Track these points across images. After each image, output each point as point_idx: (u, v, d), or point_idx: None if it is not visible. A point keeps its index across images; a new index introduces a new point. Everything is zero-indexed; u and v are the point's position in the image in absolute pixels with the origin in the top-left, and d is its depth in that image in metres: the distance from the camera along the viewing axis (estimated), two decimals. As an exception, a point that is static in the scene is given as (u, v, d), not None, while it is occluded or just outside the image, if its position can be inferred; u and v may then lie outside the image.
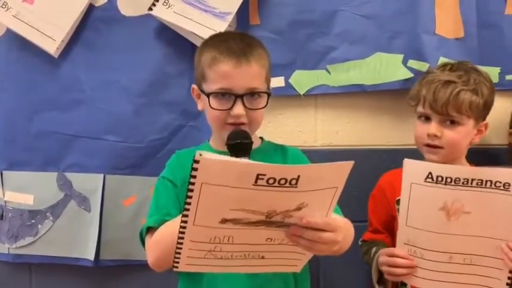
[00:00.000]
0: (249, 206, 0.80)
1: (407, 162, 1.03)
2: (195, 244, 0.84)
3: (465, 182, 1.00)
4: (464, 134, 1.19)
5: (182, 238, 0.84)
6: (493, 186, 1.00)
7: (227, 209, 0.80)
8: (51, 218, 1.46)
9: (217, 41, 1.09)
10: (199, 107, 1.12)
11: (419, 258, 1.07)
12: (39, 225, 1.46)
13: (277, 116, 1.46)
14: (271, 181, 0.77)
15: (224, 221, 0.82)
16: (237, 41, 1.06)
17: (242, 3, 1.39)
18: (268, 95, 1.06)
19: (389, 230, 1.27)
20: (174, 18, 1.39)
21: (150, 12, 1.41)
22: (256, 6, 1.42)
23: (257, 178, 0.76)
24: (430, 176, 1.01)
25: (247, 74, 1.02)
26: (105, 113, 1.45)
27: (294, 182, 0.77)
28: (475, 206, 1.01)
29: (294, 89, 1.43)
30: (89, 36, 1.46)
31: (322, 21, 1.41)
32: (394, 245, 1.24)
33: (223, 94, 1.03)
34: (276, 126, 1.46)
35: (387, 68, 1.37)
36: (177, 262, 0.87)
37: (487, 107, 1.21)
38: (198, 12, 1.39)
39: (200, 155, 0.74)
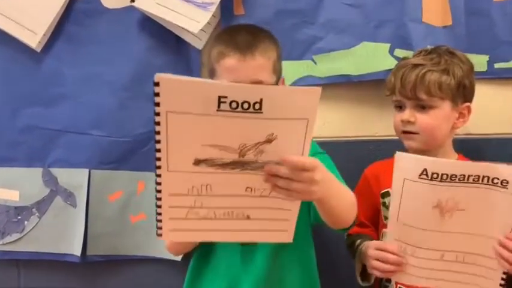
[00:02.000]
0: (218, 140, 0.79)
1: (400, 156, 0.98)
2: (175, 199, 0.83)
3: (461, 179, 0.96)
4: (441, 118, 1.15)
5: (160, 192, 0.82)
6: (490, 182, 0.96)
7: (198, 145, 0.79)
8: (37, 214, 1.45)
9: (225, 35, 1.11)
10: None
11: (410, 255, 1.03)
12: (26, 222, 1.45)
13: (264, 108, 1.44)
14: (234, 105, 0.75)
15: (198, 162, 0.80)
16: (244, 34, 1.07)
17: (226, -7, 1.37)
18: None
19: (374, 223, 1.25)
20: (157, 9, 1.37)
21: (133, 4, 1.39)
22: (240, -5, 1.40)
23: (219, 102, 0.75)
24: (425, 172, 0.96)
25: (252, 66, 1.03)
26: (90, 107, 1.43)
27: (257, 106, 0.76)
28: (470, 203, 0.98)
29: (280, 80, 1.41)
30: (71, 29, 1.44)
31: (308, 10, 1.38)
32: (378, 238, 1.23)
33: None
34: (262, 118, 1.44)
35: (374, 57, 1.35)
36: (160, 228, 0.85)
37: (462, 87, 1.16)
38: (180, 3, 1.37)
39: (158, 75, 0.74)
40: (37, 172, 1.45)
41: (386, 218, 1.20)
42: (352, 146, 1.43)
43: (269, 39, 1.10)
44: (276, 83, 1.08)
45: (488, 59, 1.38)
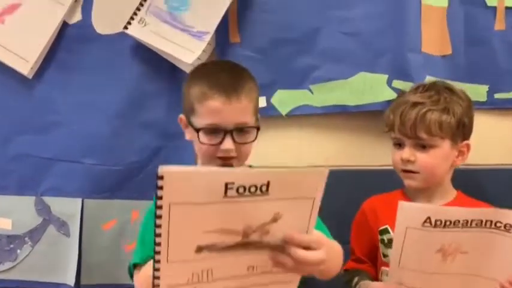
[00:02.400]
0: (223, 225, 0.76)
1: (404, 206, 0.98)
2: None
3: (465, 224, 0.96)
4: (441, 157, 1.14)
5: (158, 286, 0.78)
6: (493, 226, 0.96)
7: (201, 233, 0.76)
8: (30, 242, 1.43)
9: (206, 73, 1.06)
10: (187, 136, 1.10)
11: None
12: (18, 250, 1.43)
13: (260, 137, 1.40)
14: (241, 190, 0.73)
15: (199, 249, 0.77)
16: (226, 74, 1.03)
17: (221, 20, 1.34)
18: (258, 129, 1.04)
19: (372, 258, 1.24)
20: (150, 37, 1.35)
21: (125, 31, 1.36)
22: (236, 23, 1.37)
23: (226, 188, 0.72)
24: (428, 220, 0.96)
25: (237, 109, 1.00)
26: (82, 135, 1.41)
27: (264, 188, 0.74)
28: (473, 246, 0.98)
29: (276, 109, 1.38)
30: (64, 56, 1.41)
31: (305, 38, 1.36)
32: (377, 275, 1.22)
33: (213, 130, 1.01)
34: (259, 146, 1.40)
35: (371, 88, 1.33)
36: None
37: (462, 126, 1.16)
38: (174, 32, 1.34)
39: (163, 168, 0.69)
40: (29, 200, 1.43)
41: (385, 255, 1.19)
42: (349, 176, 1.41)
43: (251, 78, 1.07)
44: (256, 120, 1.05)
45: (488, 89, 1.36)
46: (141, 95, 1.41)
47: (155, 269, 0.76)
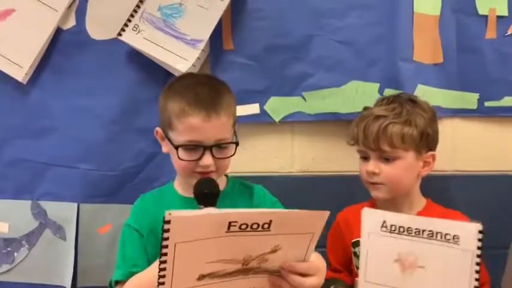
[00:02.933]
0: (224, 256, 0.80)
1: (366, 212, 1.03)
2: None
3: (417, 232, 0.99)
4: (405, 169, 1.15)
5: None
6: (443, 239, 0.99)
7: (203, 263, 0.79)
8: (26, 246, 1.45)
9: (184, 87, 1.05)
10: (164, 149, 1.10)
11: None
12: (15, 253, 1.45)
13: (253, 143, 1.44)
14: (243, 226, 0.77)
15: (201, 277, 0.81)
16: (205, 89, 1.03)
17: (215, 28, 1.35)
18: (237, 144, 1.05)
19: (348, 268, 1.26)
20: (144, 45, 1.35)
21: (119, 37, 1.36)
22: (230, 30, 1.38)
23: (229, 225, 0.76)
24: (384, 224, 1.01)
25: (216, 126, 1.01)
26: (77, 140, 1.42)
27: (266, 226, 0.77)
28: (428, 260, 1.00)
29: (270, 116, 1.40)
30: (58, 61, 1.42)
31: (298, 46, 1.37)
32: (353, 284, 1.23)
33: (193, 146, 1.01)
34: (252, 153, 1.44)
35: (363, 96, 1.34)
36: None
37: (425, 137, 1.16)
38: (168, 39, 1.35)
39: (169, 214, 0.73)
40: (26, 204, 1.45)
41: (358, 267, 1.19)
42: (342, 181, 1.43)
43: (229, 93, 1.06)
44: (234, 134, 1.06)
45: (478, 97, 1.37)
46: (136, 100, 1.42)
47: None
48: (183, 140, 1.01)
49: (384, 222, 1.01)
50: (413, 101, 1.19)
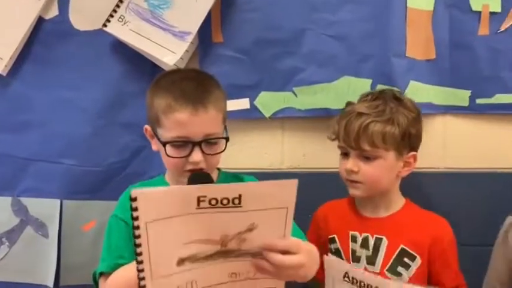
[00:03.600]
0: (200, 235, 0.78)
1: (327, 261, 1.04)
2: None
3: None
4: (385, 168, 1.12)
5: None
6: None
7: (180, 245, 0.78)
8: (7, 243, 1.41)
9: (170, 82, 1.02)
10: (154, 147, 1.07)
11: None
12: (-5, 251, 1.41)
13: (243, 138, 1.41)
14: (213, 202, 0.76)
15: (181, 261, 0.79)
16: (192, 83, 1.00)
17: (204, 20, 1.31)
18: (227, 140, 1.02)
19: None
20: (130, 36, 1.31)
21: (105, 28, 1.32)
22: (219, 22, 1.34)
23: (199, 201, 0.75)
24: (346, 275, 1.03)
25: (205, 120, 0.97)
26: (60, 135, 1.38)
27: (236, 201, 0.76)
28: None
29: (260, 111, 1.37)
30: (40, 52, 1.37)
31: (289, 40, 1.34)
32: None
33: (181, 142, 0.98)
34: (241, 149, 1.41)
35: (355, 92, 1.30)
36: None
37: (408, 137, 1.12)
38: (156, 31, 1.31)
39: (135, 191, 0.72)
40: (6, 201, 1.40)
41: None
42: (332, 178, 1.40)
43: (217, 87, 1.04)
44: (225, 129, 1.04)
45: (470, 94, 1.36)
46: (122, 94, 1.37)
47: (141, 286, 0.78)
48: (171, 136, 0.98)
49: (346, 273, 1.03)
50: (398, 99, 1.15)
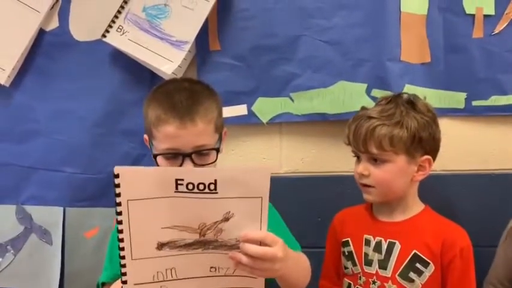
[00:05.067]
0: (178, 221, 0.82)
1: None
2: None
3: None
4: (396, 172, 1.11)
5: (126, 282, 0.83)
6: None
7: (159, 229, 0.82)
8: (12, 251, 1.43)
9: (162, 94, 1.04)
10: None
11: None
12: (0, 259, 1.44)
13: (241, 144, 1.43)
14: (190, 186, 0.79)
15: (160, 245, 0.83)
16: (183, 95, 1.01)
17: (201, 28, 1.33)
18: (217, 150, 1.03)
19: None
20: (129, 46, 1.33)
21: (104, 39, 1.34)
22: (216, 30, 1.36)
23: (177, 184, 0.79)
24: None
25: (193, 133, 0.99)
26: (62, 143, 1.40)
27: (212, 186, 0.80)
28: None
29: (257, 117, 1.39)
30: (41, 63, 1.40)
31: (285, 46, 1.35)
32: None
33: (172, 154, 1.00)
34: (240, 154, 1.43)
35: (351, 97, 1.33)
36: None
37: (418, 140, 1.11)
38: (153, 40, 1.33)
39: (118, 167, 0.78)
40: (10, 209, 1.43)
41: (345, 267, 1.21)
42: (330, 181, 1.42)
43: (209, 97, 1.04)
44: (220, 139, 1.05)
45: (466, 96, 1.36)
46: (122, 102, 1.40)
47: (121, 265, 0.83)
48: (161, 148, 1.01)
49: None
50: (412, 103, 1.14)
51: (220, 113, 1.07)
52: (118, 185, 0.78)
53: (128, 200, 0.79)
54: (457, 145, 1.39)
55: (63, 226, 1.41)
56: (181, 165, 0.99)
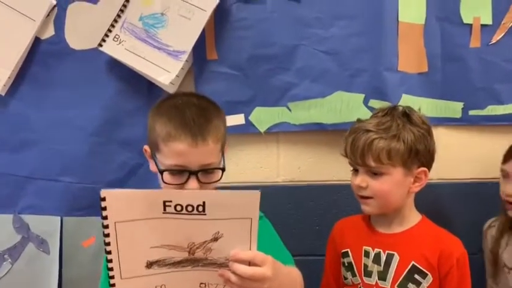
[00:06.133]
0: (167, 240, 0.82)
1: None
2: None
3: None
4: (393, 184, 1.12)
5: None
6: None
7: (148, 248, 0.82)
8: (9, 260, 1.43)
9: (171, 109, 1.02)
10: (152, 168, 1.08)
11: None
12: (-2, 268, 1.44)
13: (239, 152, 1.43)
14: (178, 208, 0.80)
15: (149, 264, 0.84)
16: (193, 112, 1.00)
17: (199, 37, 1.32)
18: (223, 170, 1.03)
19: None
20: (126, 56, 1.32)
21: (100, 48, 1.33)
22: (213, 40, 1.35)
23: (165, 206, 0.80)
24: None
25: (203, 152, 0.98)
26: (59, 153, 1.39)
27: (201, 208, 0.80)
28: None
29: (255, 126, 1.39)
30: (37, 72, 1.39)
31: (282, 56, 1.35)
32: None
33: (178, 170, 1.00)
34: (237, 163, 1.43)
35: (348, 107, 1.34)
36: None
37: (414, 153, 1.12)
38: (151, 50, 1.32)
39: (104, 190, 0.79)
40: (7, 219, 1.42)
41: (345, 277, 1.22)
42: (327, 190, 1.43)
43: (217, 115, 1.04)
44: (222, 154, 1.05)
45: (463, 105, 1.37)
46: (119, 112, 1.39)
47: (111, 285, 0.84)
48: (169, 163, 1.00)
49: None
50: (408, 115, 1.15)
51: (225, 130, 1.06)
52: (105, 208, 0.78)
53: (115, 222, 0.79)
54: (453, 154, 1.40)
55: (61, 235, 1.41)
56: (186, 181, 0.99)
